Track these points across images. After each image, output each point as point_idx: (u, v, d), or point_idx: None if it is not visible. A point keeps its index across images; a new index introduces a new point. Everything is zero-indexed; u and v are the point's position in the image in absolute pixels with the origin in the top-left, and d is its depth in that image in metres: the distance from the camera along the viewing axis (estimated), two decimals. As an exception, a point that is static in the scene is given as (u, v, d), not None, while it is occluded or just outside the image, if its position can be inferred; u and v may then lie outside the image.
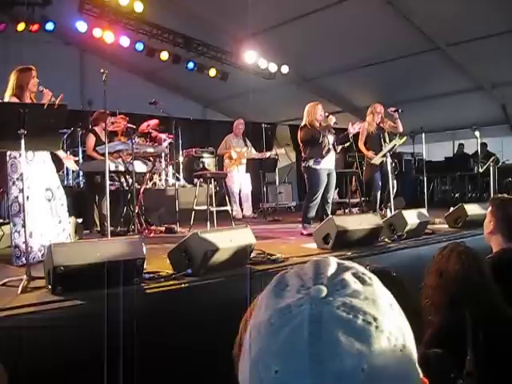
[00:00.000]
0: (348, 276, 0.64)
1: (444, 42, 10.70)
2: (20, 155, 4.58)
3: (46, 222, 5.11)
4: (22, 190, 4.38)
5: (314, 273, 0.65)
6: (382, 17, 9.96)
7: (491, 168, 10.28)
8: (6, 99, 5.15)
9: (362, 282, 0.64)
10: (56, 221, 5.23)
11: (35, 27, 9.88)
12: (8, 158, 5.01)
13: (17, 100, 5.13)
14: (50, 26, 10.03)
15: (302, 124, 7.46)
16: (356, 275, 0.65)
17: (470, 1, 9.14)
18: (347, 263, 0.68)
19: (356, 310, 0.59)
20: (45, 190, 5.16)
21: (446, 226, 7.15)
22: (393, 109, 8.47)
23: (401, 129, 8.47)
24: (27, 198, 4.57)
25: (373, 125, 8.51)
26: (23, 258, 4.78)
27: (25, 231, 4.20)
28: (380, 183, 8.31)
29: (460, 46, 10.61)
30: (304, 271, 0.66)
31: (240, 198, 10.61)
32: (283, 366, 0.58)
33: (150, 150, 8.11)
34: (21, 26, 9.82)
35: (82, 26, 10.13)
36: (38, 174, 5.12)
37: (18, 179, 4.91)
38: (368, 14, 9.92)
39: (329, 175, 7.37)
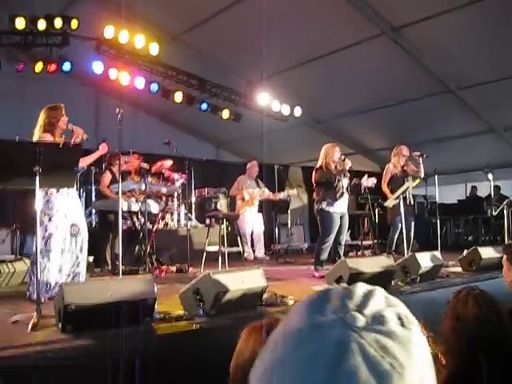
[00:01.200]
0: (390, 313, 0.62)
1: (455, 85, 10.77)
2: (57, 191, 4.88)
3: (67, 259, 5.13)
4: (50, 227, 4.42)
5: (357, 299, 0.63)
6: (394, 60, 10.07)
7: (505, 211, 10.20)
8: (36, 136, 5.22)
9: (402, 324, 0.61)
10: (75, 256, 5.23)
11: (53, 67, 10.00)
12: (44, 194, 5.04)
13: (50, 136, 5.20)
14: (66, 66, 10.15)
15: (318, 165, 7.39)
16: (398, 315, 0.62)
17: (480, 45, 9.22)
18: (394, 300, 0.66)
19: (387, 352, 0.57)
20: (70, 225, 5.19)
21: (460, 269, 7.06)
22: (418, 153, 8.40)
23: (422, 174, 8.40)
24: (54, 234, 4.67)
25: (398, 167, 8.47)
26: (51, 292, 4.82)
27: (37, 268, 4.21)
28: (400, 225, 8.09)
29: (471, 89, 10.68)
30: (349, 294, 0.64)
31: (252, 239, 10.54)
32: (296, 379, 0.57)
33: (163, 189, 8.15)
34: (38, 67, 9.96)
35: (98, 67, 10.28)
36: (68, 210, 5.18)
37: (53, 215, 4.99)
38: (380, 56, 10.04)
39: (341, 218, 7.30)
